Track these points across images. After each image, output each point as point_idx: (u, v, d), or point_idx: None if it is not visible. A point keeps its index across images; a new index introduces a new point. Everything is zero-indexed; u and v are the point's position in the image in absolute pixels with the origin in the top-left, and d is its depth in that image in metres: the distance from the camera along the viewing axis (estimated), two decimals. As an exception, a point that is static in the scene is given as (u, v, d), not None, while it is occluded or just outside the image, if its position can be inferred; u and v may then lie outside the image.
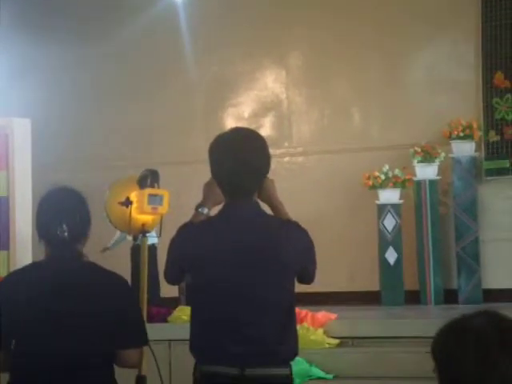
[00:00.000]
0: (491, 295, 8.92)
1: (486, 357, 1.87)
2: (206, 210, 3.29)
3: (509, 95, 9.19)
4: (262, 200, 3.30)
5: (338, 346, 7.05)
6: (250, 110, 10.73)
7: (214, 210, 3.32)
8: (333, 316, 7.49)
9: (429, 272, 9.13)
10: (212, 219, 3.27)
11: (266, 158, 3.20)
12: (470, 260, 9.07)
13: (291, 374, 3.17)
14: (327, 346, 6.98)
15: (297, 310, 3.34)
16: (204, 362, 3.11)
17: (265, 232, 3.16)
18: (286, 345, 3.11)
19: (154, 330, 6.49)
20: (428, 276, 9.13)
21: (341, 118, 10.30)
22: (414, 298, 9.14)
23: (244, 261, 3.09)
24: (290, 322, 3.16)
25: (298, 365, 6.10)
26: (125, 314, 3.05)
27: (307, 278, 3.28)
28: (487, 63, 9.41)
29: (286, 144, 10.50)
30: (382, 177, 9.25)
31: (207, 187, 3.32)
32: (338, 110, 10.32)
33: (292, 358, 3.16)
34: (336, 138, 10.21)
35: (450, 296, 9.11)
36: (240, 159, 3.12)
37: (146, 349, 3.45)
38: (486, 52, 9.40)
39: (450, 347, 1.93)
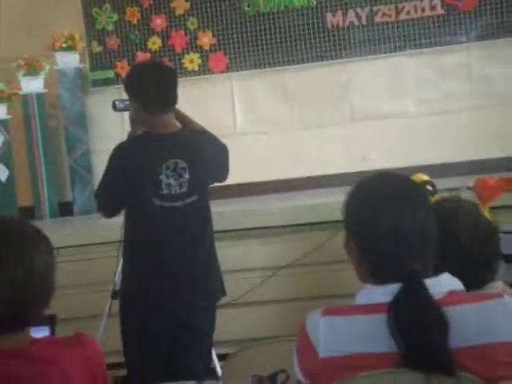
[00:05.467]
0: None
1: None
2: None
3: (108, 5, 9.16)
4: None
5: None
6: None
7: None
8: None
9: (42, 187, 9.07)
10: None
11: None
12: (83, 171, 9.15)
13: None
14: None
15: None
16: None
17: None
18: None
19: None
20: (42, 191, 9.06)
21: None
22: (30, 213, 9.03)
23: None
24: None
25: None
26: None
27: None
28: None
29: None
30: (-12, 92, 8.91)
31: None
32: None
33: None
34: None
35: (65, 208, 9.16)
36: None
37: None
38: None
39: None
